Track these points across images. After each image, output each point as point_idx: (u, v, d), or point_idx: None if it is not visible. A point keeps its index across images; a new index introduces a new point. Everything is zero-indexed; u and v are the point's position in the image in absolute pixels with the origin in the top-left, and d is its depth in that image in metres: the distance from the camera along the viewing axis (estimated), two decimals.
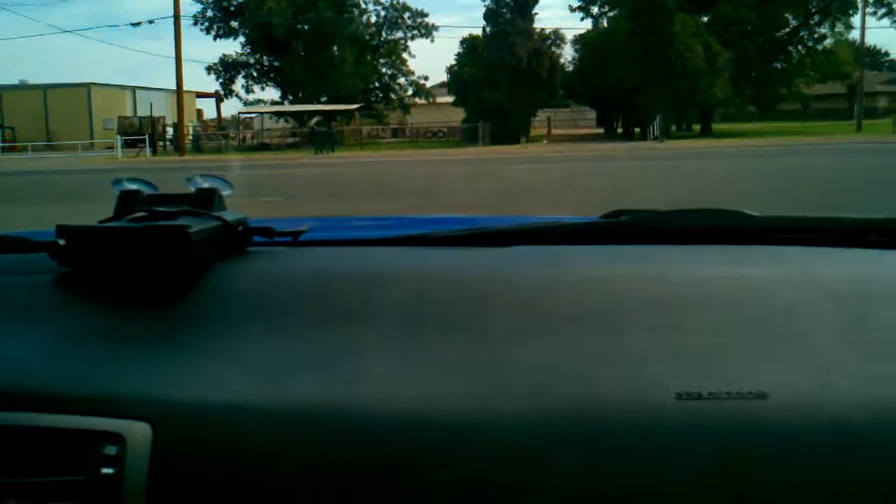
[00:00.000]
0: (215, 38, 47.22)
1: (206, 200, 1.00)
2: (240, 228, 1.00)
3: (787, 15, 41.71)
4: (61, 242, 0.90)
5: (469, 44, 41.15)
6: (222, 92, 48.58)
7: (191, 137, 41.30)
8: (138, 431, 0.73)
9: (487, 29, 37.89)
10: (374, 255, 1.02)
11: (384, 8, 47.73)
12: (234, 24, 45.63)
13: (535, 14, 38.51)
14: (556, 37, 39.00)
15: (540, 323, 0.84)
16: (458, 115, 42.48)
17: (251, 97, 48.17)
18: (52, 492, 0.72)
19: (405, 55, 48.68)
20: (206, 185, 1.04)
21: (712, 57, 35.23)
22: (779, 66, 42.51)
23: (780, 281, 0.90)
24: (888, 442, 0.73)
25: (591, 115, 51.69)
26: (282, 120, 47.19)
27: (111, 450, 0.72)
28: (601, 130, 47.57)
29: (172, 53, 35.58)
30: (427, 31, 47.98)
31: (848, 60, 46.75)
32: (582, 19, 46.41)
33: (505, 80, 36.08)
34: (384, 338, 0.83)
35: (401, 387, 0.77)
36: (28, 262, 0.99)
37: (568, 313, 0.85)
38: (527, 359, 0.79)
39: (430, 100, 48.55)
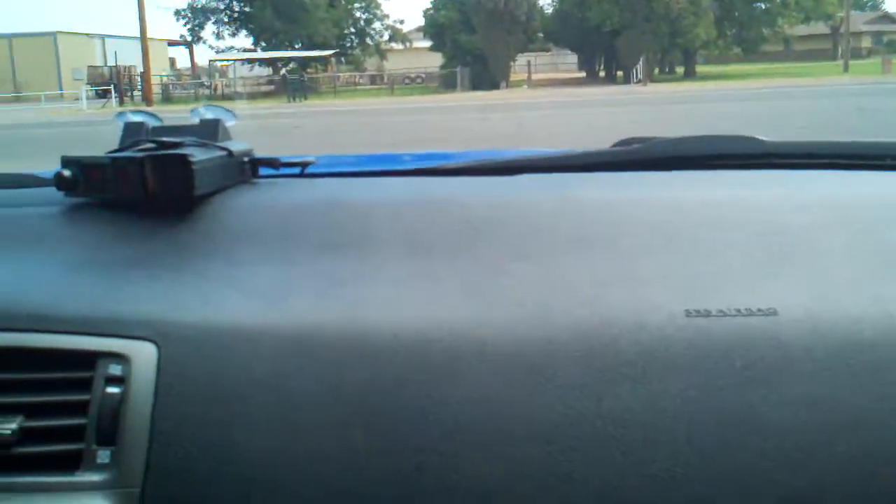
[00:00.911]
0: None
1: (211, 131, 1.00)
2: (245, 159, 1.00)
3: None
4: (66, 173, 0.91)
5: None
6: (190, 38, 47.26)
7: (160, 87, 40.03)
8: (143, 351, 0.75)
9: None
10: (382, 185, 1.01)
11: None
12: None
13: None
14: None
15: (546, 246, 0.85)
16: (437, 60, 41.61)
17: (222, 44, 47.00)
18: (58, 410, 0.73)
19: None
20: (209, 116, 1.03)
21: None
22: (762, 6, 41.67)
23: (789, 202, 0.90)
24: None
25: (573, 58, 50.77)
26: (257, 67, 45.91)
27: (116, 369, 0.74)
28: (583, 74, 46.60)
29: None
30: None
31: (831, 0, 46.02)
32: None
33: (482, 22, 35.04)
34: (390, 264, 0.84)
35: (406, 309, 0.78)
36: (36, 195, 1.01)
37: (574, 237, 0.86)
38: (532, 280, 0.80)
39: (407, 45, 47.62)
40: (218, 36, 46.93)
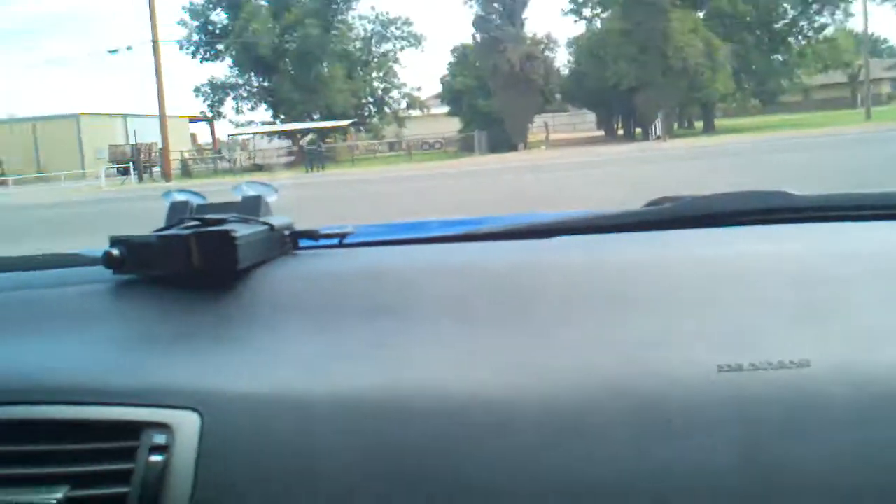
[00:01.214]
0: (202, 61, 46.60)
1: (253, 207, 1.02)
2: (286, 232, 1.02)
3: (785, 5, 40.68)
4: (115, 252, 0.93)
5: (460, 52, 40.33)
6: (210, 114, 47.87)
7: (180, 162, 40.31)
8: (186, 420, 0.75)
9: (478, 37, 37.02)
10: (420, 252, 1.04)
11: (370, 21, 47.17)
12: (220, 46, 44.93)
13: (525, 19, 37.66)
14: (549, 40, 38.20)
15: (583, 308, 0.85)
16: (454, 125, 41.77)
17: (242, 118, 47.53)
18: (103, 480, 0.74)
19: (396, 67, 48.34)
20: (251, 192, 1.06)
21: (712, 51, 34.15)
22: (779, 57, 41.51)
23: (821, 253, 0.91)
24: None
25: (591, 117, 50.83)
26: (276, 139, 46.30)
27: (160, 438, 0.75)
28: (601, 133, 46.56)
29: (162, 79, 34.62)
30: (416, 40, 47.50)
31: (848, 48, 45.86)
32: (575, 22, 45.34)
33: (499, 86, 35.11)
34: (432, 328, 0.85)
35: (447, 373, 0.78)
36: (84, 274, 1.02)
37: (610, 298, 0.86)
38: (571, 342, 0.81)
39: (425, 111, 48.09)
40: (238, 110, 47.39)
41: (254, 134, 45.64)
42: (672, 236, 0.98)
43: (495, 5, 36.30)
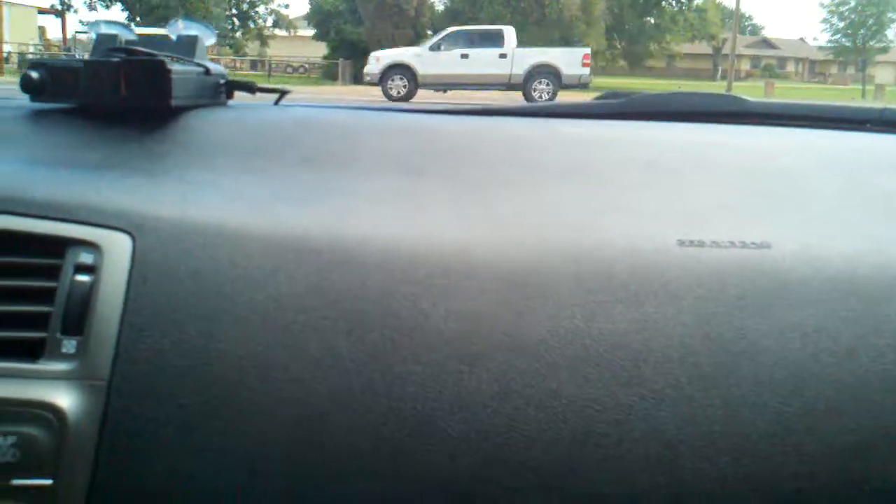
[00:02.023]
0: None
1: (188, 48, 0.97)
2: (221, 80, 0.98)
3: None
4: (34, 75, 0.87)
5: None
6: (61, 6, 43.69)
7: (18, 56, 36.62)
8: (117, 241, 0.72)
9: None
10: (362, 114, 1.00)
11: None
12: None
13: None
14: None
15: (537, 176, 0.84)
16: (322, 49, 39.74)
17: (95, 16, 43.60)
18: (23, 296, 0.70)
19: None
20: (189, 32, 0.99)
21: (588, 5, 33.61)
22: (651, 20, 41.83)
23: (780, 148, 0.92)
24: (894, 291, 0.74)
25: None
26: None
27: (87, 257, 0.71)
28: None
29: None
30: None
31: (715, 21, 46.86)
32: None
33: (368, 14, 33.45)
34: (375, 182, 0.82)
35: (393, 225, 0.76)
36: (2, 101, 0.97)
37: (564, 169, 0.85)
38: (522, 205, 0.80)
39: (291, 32, 45.98)
40: (91, 7, 43.43)
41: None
42: (626, 124, 0.96)
43: None
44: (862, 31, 36.45)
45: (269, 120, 0.93)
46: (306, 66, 43.57)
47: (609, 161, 0.85)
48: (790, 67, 67.70)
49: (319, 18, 38.33)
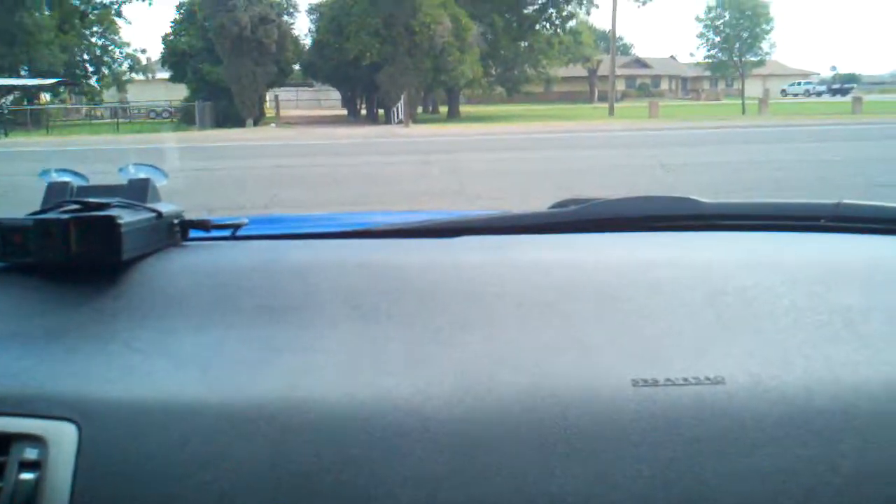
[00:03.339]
0: None
1: (140, 191, 0.96)
2: (175, 221, 0.97)
3: None
4: None
5: (187, 8, 35.36)
6: None
7: None
8: (62, 432, 0.69)
9: None
10: (317, 247, 1.00)
11: None
12: None
13: None
14: (288, 4, 34.47)
15: (488, 312, 0.83)
16: (184, 92, 36.92)
17: None
18: None
19: (120, 22, 42.78)
20: (139, 175, 1.00)
21: (461, 31, 32.03)
22: (526, 44, 40.84)
23: (732, 264, 0.91)
24: (851, 424, 0.72)
25: (337, 95, 47.74)
26: None
27: (31, 453, 0.67)
28: (345, 112, 43.58)
29: None
30: None
31: (590, 43, 46.52)
32: None
33: (226, 51, 30.83)
34: (330, 330, 0.81)
35: (348, 380, 0.74)
36: None
37: (515, 302, 0.84)
38: (476, 348, 0.79)
39: (149, 76, 43.34)
40: None
41: None
42: (579, 240, 0.96)
43: None
44: (737, 45, 36.29)
45: (224, 262, 0.91)
46: (169, 110, 40.77)
47: (563, 289, 0.84)
48: (664, 85, 68.67)
49: (174, 60, 35.44)
